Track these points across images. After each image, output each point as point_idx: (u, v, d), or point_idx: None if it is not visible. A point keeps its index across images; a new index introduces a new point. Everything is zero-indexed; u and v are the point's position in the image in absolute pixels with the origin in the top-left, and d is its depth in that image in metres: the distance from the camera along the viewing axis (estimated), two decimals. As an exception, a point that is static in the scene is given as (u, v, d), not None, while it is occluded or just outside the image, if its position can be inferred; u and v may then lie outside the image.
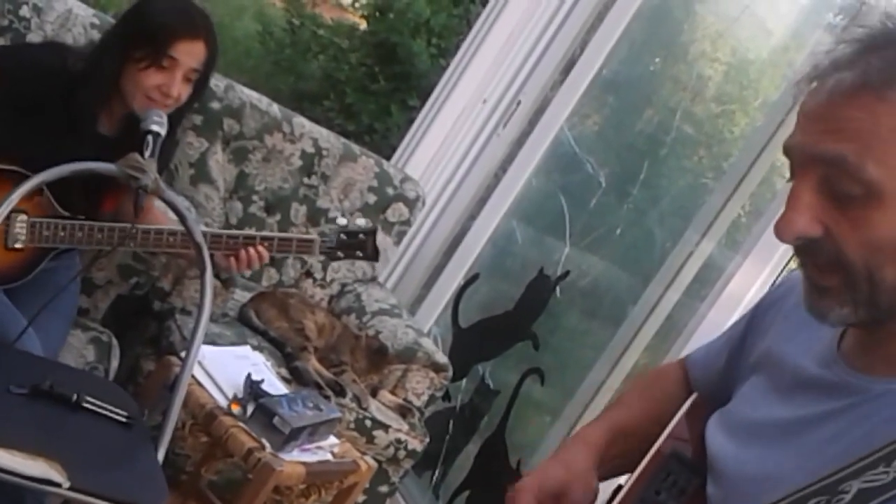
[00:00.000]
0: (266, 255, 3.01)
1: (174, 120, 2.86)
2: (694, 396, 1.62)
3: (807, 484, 1.14)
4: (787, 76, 4.11)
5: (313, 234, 3.18)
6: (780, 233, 1.25)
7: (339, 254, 3.15)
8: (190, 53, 2.85)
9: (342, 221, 3.18)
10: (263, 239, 3.02)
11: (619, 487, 1.50)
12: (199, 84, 2.94)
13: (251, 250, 2.97)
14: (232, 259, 2.98)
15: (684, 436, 1.52)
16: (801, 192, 1.24)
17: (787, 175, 1.28)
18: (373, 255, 3.21)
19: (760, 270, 3.30)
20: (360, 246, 3.16)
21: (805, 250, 1.26)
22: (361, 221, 3.21)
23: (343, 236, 3.13)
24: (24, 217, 2.78)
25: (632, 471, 1.56)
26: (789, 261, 3.31)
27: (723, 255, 3.75)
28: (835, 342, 1.35)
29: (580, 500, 1.50)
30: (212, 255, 2.82)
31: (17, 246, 2.81)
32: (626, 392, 1.78)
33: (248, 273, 3.89)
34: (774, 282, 3.32)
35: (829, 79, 1.23)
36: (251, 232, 3.07)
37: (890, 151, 1.18)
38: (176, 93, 2.84)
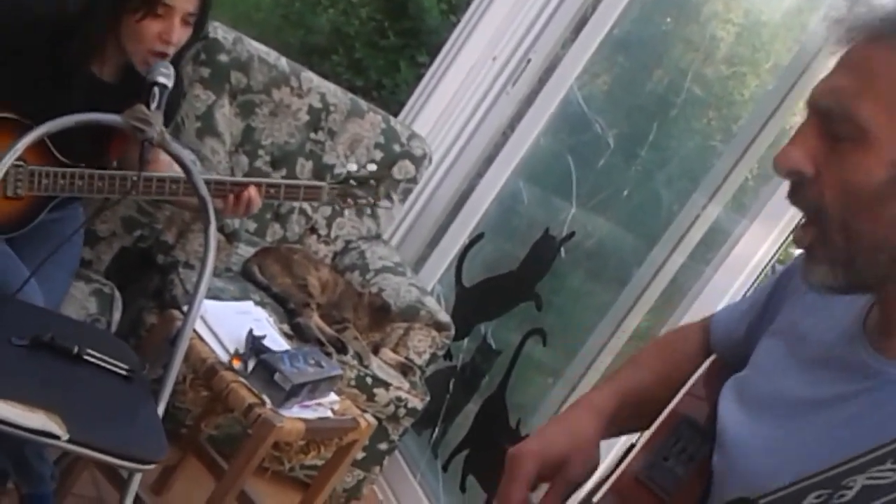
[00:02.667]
0: (258, 198, 2.97)
1: (175, 64, 2.82)
2: (712, 358, 1.60)
3: (809, 475, 1.12)
4: (800, 39, 4.07)
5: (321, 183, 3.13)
6: (776, 164, 1.27)
7: (349, 200, 3.12)
8: None
9: (352, 167, 3.15)
10: (269, 186, 3.00)
11: (633, 447, 1.49)
12: (198, 25, 2.90)
13: (245, 193, 2.92)
14: (230, 198, 2.92)
15: (701, 396, 1.50)
16: (804, 129, 1.26)
17: None
18: (385, 198, 3.16)
19: (767, 234, 3.29)
20: (370, 192, 3.12)
21: (795, 193, 1.27)
22: (371, 167, 3.18)
23: (352, 182, 3.10)
24: (22, 165, 2.76)
25: (639, 431, 1.55)
26: (796, 226, 3.29)
27: (730, 219, 3.73)
28: (861, 320, 1.34)
29: (580, 473, 1.48)
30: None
31: (18, 194, 2.80)
32: (642, 351, 1.75)
33: (238, 223, 3.85)
34: (781, 246, 3.30)
35: (859, 25, 1.27)
36: (256, 179, 3.03)
37: (887, 100, 1.20)
38: (176, 39, 2.81)
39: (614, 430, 1.56)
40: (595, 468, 1.49)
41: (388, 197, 3.19)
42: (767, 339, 1.48)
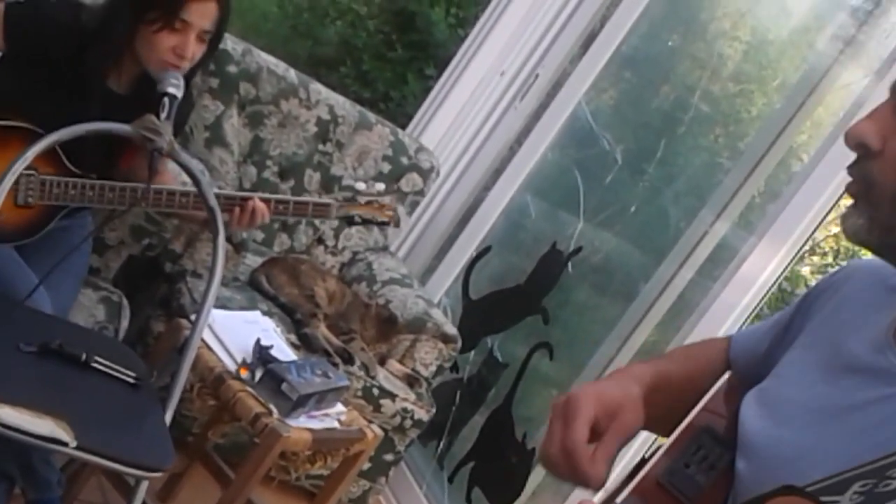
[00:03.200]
0: (266, 211, 2.96)
1: (188, 79, 2.84)
2: (728, 374, 1.61)
3: (851, 466, 1.13)
4: (807, 58, 4.08)
5: (330, 199, 3.14)
6: (847, 134, 1.31)
7: (357, 218, 3.12)
8: (202, 14, 2.83)
9: (360, 186, 3.16)
10: (279, 202, 3.00)
11: (643, 460, 1.49)
12: (213, 42, 2.92)
13: (250, 204, 2.93)
14: (236, 210, 2.92)
15: (719, 411, 1.51)
16: (881, 107, 1.32)
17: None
18: (394, 221, 3.18)
19: (775, 252, 3.29)
20: (378, 211, 3.13)
21: (856, 165, 1.31)
22: (380, 186, 3.18)
23: (360, 200, 3.10)
24: (34, 174, 2.77)
25: (661, 426, 1.55)
26: (804, 244, 3.30)
27: (737, 236, 3.74)
28: (891, 330, 1.35)
29: (630, 424, 1.45)
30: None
31: (29, 202, 2.81)
32: (674, 350, 1.77)
33: (246, 233, 3.85)
34: (789, 264, 3.31)
35: None
36: (266, 195, 3.04)
37: None
38: (190, 54, 2.83)
39: (646, 407, 1.56)
40: (640, 428, 1.48)
41: (396, 219, 3.19)
42: (792, 352, 1.49)
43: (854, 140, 1.30)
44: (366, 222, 3.15)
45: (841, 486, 1.12)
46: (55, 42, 2.82)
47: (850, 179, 1.32)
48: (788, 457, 1.31)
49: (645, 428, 1.55)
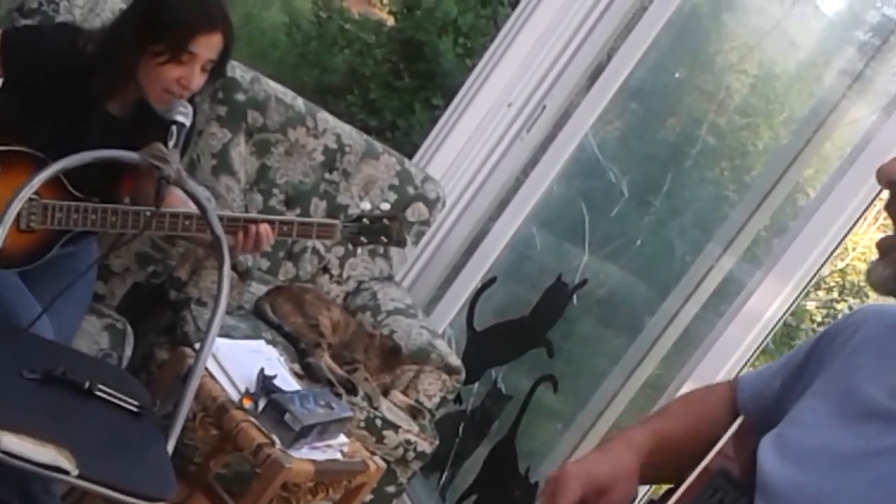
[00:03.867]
0: (271, 234, 2.95)
1: (191, 101, 2.84)
2: (741, 419, 1.60)
3: None
4: (814, 92, 4.08)
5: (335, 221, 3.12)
6: (879, 172, 1.33)
7: (363, 239, 3.10)
8: (208, 46, 2.83)
9: (366, 206, 3.14)
10: (283, 223, 2.99)
11: (651, 503, 1.48)
12: (214, 72, 2.92)
13: (253, 228, 2.91)
14: (239, 234, 2.90)
15: (731, 455, 1.50)
16: None
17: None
18: (398, 240, 3.15)
19: (781, 288, 3.28)
20: (383, 231, 3.11)
21: (890, 204, 1.33)
22: (385, 206, 3.16)
23: (366, 221, 3.08)
24: (35, 199, 2.77)
25: (662, 481, 1.55)
26: (810, 280, 3.29)
27: (743, 271, 3.73)
28: None
29: (622, 500, 1.47)
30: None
31: (31, 227, 2.80)
32: (670, 404, 1.76)
33: (252, 261, 3.84)
34: (796, 300, 3.30)
35: None
36: (269, 216, 3.03)
37: None
38: (195, 85, 2.84)
39: (646, 472, 1.55)
40: (635, 500, 1.48)
41: (402, 238, 3.16)
42: (809, 399, 1.48)
43: (885, 177, 1.31)
44: (371, 242, 3.13)
45: None
46: (54, 68, 2.82)
47: (883, 234, 1.32)
48: (813, 500, 1.30)
49: (644, 483, 1.55)
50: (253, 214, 3.03)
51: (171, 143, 2.55)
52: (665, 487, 1.54)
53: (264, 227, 2.93)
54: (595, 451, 1.56)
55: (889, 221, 1.34)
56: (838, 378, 1.46)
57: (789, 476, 1.37)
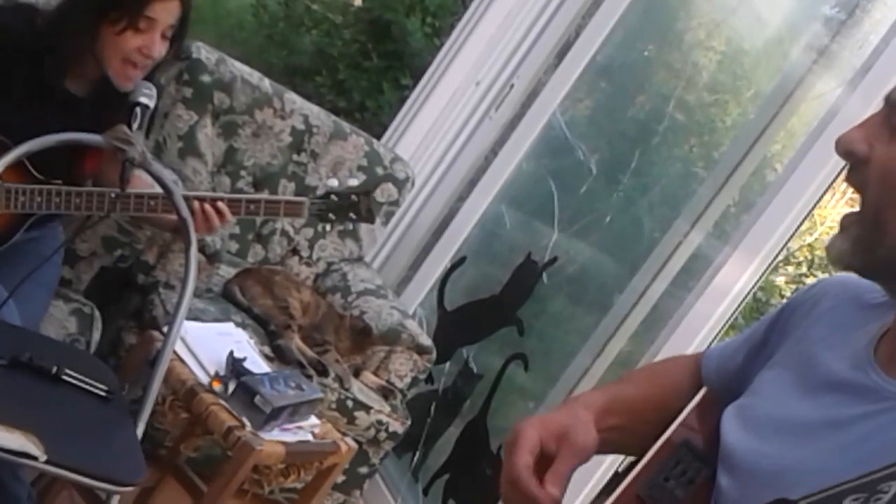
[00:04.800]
0: (226, 213, 2.92)
1: (151, 78, 2.82)
2: (704, 390, 1.61)
3: (842, 481, 1.13)
4: (782, 68, 4.09)
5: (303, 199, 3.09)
6: (837, 142, 1.32)
7: (331, 216, 3.08)
8: (166, 10, 2.80)
9: (333, 183, 3.12)
10: (249, 202, 2.97)
11: (617, 474, 1.49)
12: (176, 38, 2.90)
13: (206, 206, 2.88)
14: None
15: (694, 426, 1.51)
16: (872, 117, 1.32)
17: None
18: (367, 216, 3.13)
19: (749, 263, 3.29)
20: (352, 208, 3.09)
21: (849, 174, 1.32)
22: (353, 181, 3.15)
23: (334, 198, 3.06)
24: None
25: (624, 448, 1.56)
26: (778, 254, 3.30)
27: (711, 247, 3.74)
28: (871, 347, 1.36)
29: (581, 443, 1.45)
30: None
31: None
32: (633, 372, 1.78)
33: (220, 244, 3.82)
34: (764, 274, 3.31)
35: None
36: (237, 195, 3.01)
37: None
38: (157, 53, 2.81)
39: (605, 434, 1.55)
40: (593, 449, 1.47)
41: (371, 214, 3.15)
42: (770, 370, 1.49)
43: (843, 147, 1.31)
44: (340, 219, 3.11)
45: (833, 500, 1.12)
46: (11, 48, 2.79)
47: (844, 211, 1.33)
48: (772, 472, 1.31)
49: (605, 450, 1.55)
50: (220, 194, 3.00)
51: (135, 126, 2.53)
52: (629, 460, 1.55)
53: (220, 205, 2.90)
54: (550, 411, 1.56)
55: (857, 196, 1.34)
56: (799, 349, 1.47)
57: (751, 447, 1.37)
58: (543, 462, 1.43)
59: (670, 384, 1.67)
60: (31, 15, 2.89)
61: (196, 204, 2.88)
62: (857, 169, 1.30)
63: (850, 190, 1.34)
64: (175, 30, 2.85)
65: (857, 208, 1.31)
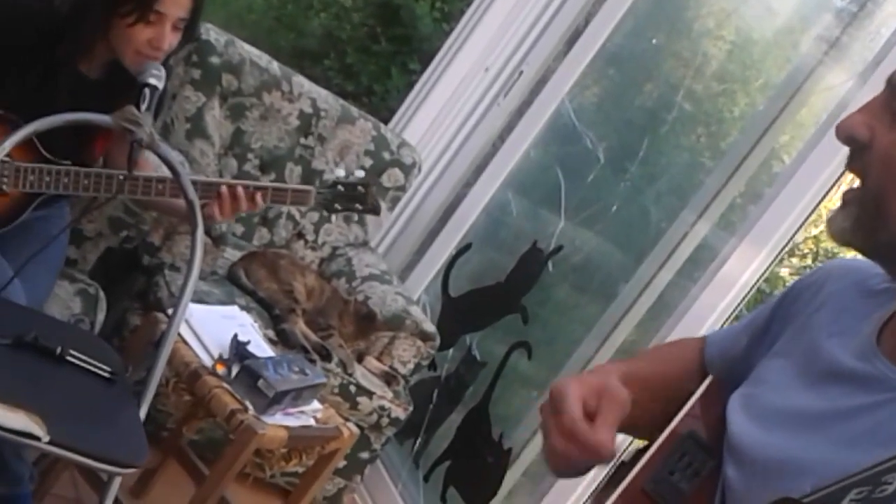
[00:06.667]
0: (250, 198, 2.94)
1: (164, 63, 2.81)
2: (710, 379, 1.60)
3: (848, 472, 1.13)
4: (791, 58, 4.08)
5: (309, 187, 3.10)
6: (838, 127, 1.31)
7: (337, 206, 3.09)
8: (176, 4, 2.80)
9: (340, 173, 3.13)
10: (257, 189, 2.97)
11: (623, 464, 1.48)
12: (188, 30, 2.89)
13: (233, 190, 2.90)
14: (215, 207, 2.91)
15: (699, 415, 1.50)
16: (873, 101, 1.31)
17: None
18: (372, 207, 3.14)
19: (755, 254, 3.28)
20: (358, 198, 3.10)
21: (850, 159, 1.32)
22: (360, 173, 3.15)
23: (340, 188, 3.07)
24: (8, 161, 2.74)
25: (636, 426, 1.55)
26: (785, 246, 3.30)
27: (718, 237, 3.73)
28: (874, 336, 1.35)
29: (621, 397, 1.42)
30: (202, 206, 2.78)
31: (3, 190, 2.77)
32: (643, 350, 1.78)
33: (226, 226, 3.82)
34: (770, 266, 3.30)
35: None
36: (245, 181, 3.01)
37: None
38: (166, 45, 2.81)
39: None
40: (629, 406, 1.45)
41: (376, 206, 3.16)
42: (772, 360, 1.49)
43: (843, 132, 1.30)
44: (345, 209, 3.11)
45: (837, 495, 1.12)
46: (27, 28, 2.79)
47: (848, 185, 1.32)
48: (777, 463, 1.31)
49: (621, 429, 1.54)
50: (228, 180, 3.00)
51: (143, 107, 2.52)
52: (634, 448, 1.54)
53: (241, 190, 2.91)
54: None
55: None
56: (803, 337, 1.46)
57: (756, 437, 1.37)
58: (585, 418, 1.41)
59: (680, 367, 1.67)
60: None
61: (225, 189, 2.89)
62: (858, 154, 1.30)
63: (851, 177, 1.33)
64: (186, 21, 2.85)
65: (857, 184, 1.31)
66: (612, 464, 1.49)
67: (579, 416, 1.38)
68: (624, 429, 1.56)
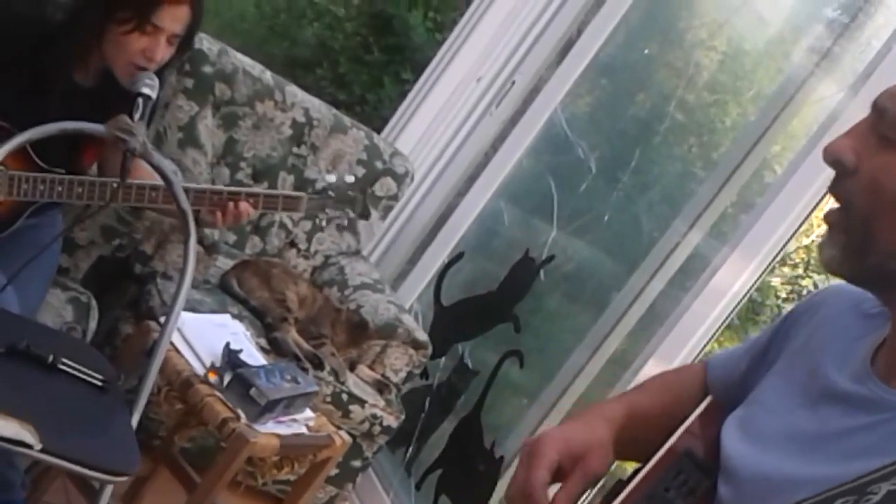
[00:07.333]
0: (252, 210, 2.96)
1: (159, 74, 2.82)
2: (709, 399, 1.61)
3: (834, 486, 1.14)
4: (783, 69, 4.09)
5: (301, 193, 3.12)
6: (825, 151, 1.31)
7: (328, 211, 3.10)
8: (174, 18, 2.81)
9: (331, 179, 3.13)
10: (249, 195, 2.98)
11: (621, 482, 1.49)
12: (183, 45, 2.90)
13: (239, 204, 2.92)
14: (218, 214, 2.92)
15: (698, 434, 1.51)
16: (860, 125, 1.31)
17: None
18: (363, 212, 3.15)
19: (747, 264, 3.30)
20: (349, 203, 3.11)
21: (835, 183, 1.31)
22: (350, 178, 3.16)
23: (331, 193, 3.08)
24: (2, 169, 2.74)
25: (639, 459, 1.55)
26: (776, 255, 3.31)
27: (709, 247, 3.74)
28: (868, 358, 1.36)
29: (597, 467, 1.47)
30: (197, 212, 2.79)
31: None
32: (648, 380, 1.78)
33: (226, 229, 3.83)
34: (761, 276, 3.31)
35: None
36: (236, 188, 3.02)
37: None
38: (159, 57, 2.82)
39: (619, 447, 1.56)
40: (607, 470, 1.48)
41: (367, 210, 3.17)
42: (771, 379, 1.50)
43: (830, 157, 1.30)
44: (336, 213, 3.12)
45: (824, 503, 1.13)
46: (19, 35, 2.80)
47: (828, 207, 1.32)
48: (771, 483, 1.32)
49: (622, 458, 1.56)
50: (219, 186, 3.01)
51: (136, 116, 2.53)
52: (634, 467, 1.55)
53: (244, 204, 2.93)
54: (571, 420, 1.56)
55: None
56: (799, 359, 1.47)
57: (751, 457, 1.37)
58: (556, 474, 1.46)
59: (684, 393, 1.68)
60: (41, 3, 2.90)
61: (231, 204, 2.91)
62: (844, 179, 1.29)
63: (831, 199, 1.34)
64: (181, 38, 2.86)
65: (839, 205, 1.31)
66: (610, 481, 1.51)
67: (542, 483, 1.43)
68: (630, 459, 1.58)
